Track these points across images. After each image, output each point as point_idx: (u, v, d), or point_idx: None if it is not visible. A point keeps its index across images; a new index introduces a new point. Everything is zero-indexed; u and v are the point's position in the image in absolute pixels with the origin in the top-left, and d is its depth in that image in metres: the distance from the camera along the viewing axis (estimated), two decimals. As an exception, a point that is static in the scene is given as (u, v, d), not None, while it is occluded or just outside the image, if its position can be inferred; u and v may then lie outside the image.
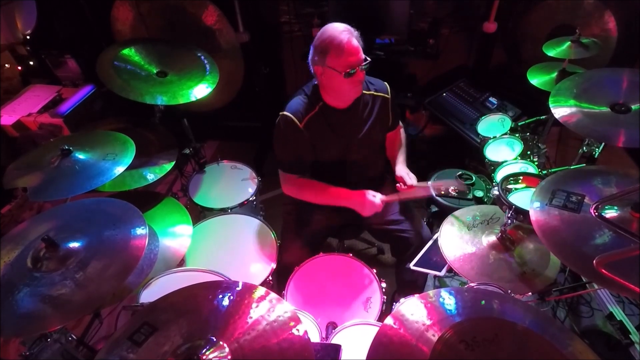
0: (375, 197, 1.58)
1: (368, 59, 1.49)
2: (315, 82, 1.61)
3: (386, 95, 1.69)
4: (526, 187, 1.58)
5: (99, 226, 1.19)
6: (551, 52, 1.99)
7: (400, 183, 1.64)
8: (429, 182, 1.73)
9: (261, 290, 1.00)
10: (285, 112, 1.59)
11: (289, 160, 1.64)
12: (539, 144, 2.09)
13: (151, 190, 1.93)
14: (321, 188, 1.64)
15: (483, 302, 0.96)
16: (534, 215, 1.16)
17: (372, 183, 1.75)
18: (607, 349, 1.93)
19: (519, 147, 2.03)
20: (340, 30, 1.44)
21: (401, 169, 1.73)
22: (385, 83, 1.72)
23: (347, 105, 1.61)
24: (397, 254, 1.87)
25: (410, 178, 1.65)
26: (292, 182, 1.67)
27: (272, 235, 1.75)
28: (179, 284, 1.06)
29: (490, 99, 2.62)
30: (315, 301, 1.49)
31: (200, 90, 1.93)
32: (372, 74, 1.70)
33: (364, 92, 1.63)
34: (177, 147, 1.95)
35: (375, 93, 1.67)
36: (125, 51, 1.98)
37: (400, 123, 1.88)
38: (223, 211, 1.89)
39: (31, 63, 2.85)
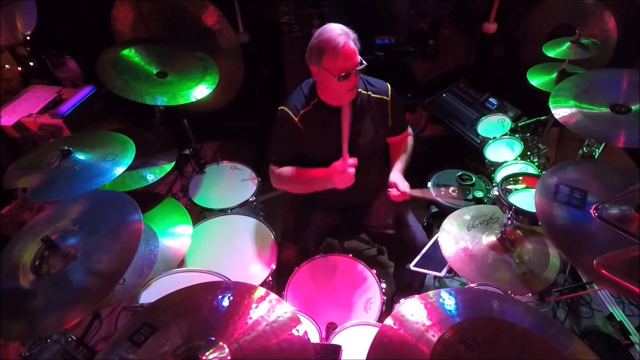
0: (346, 165, 1.47)
1: (364, 62, 1.46)
2: (312, 80, 1.61)
3: (385, 97, 1.63)
4: (526, 187, 1.57)
5: (95, 218, 1.20)
6: (551, 53, 1.99)
7: (393, 189, 1.58)
8: (430, 189, 1.74)
9: (261, 291, 1.00)
10: (282, 107, 1.60)
11: (275, 152, 1.64)
12: (539, 145, 2.09)
13: (151, 190, 1.93)
14: (299, 172, 1.61)
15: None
16: (539, 209, 1.15)
17: (368, 187, 1.74)
18: (607, 349, 1.93)
19: (519, 147, 2.03)
20: (337, 33, 1.41)
21: (395, 175, 1.65)
22: (387, 84, 1.66)
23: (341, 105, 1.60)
24: (394, 258, 1.87)
25: (405, 186, 1.59)
26: (274, 172, 1.65)
27: (272, 236, 1.75)
28: (179, 285, 1.05)
29: (490, 99, 2.62)
30: (315, 302, 1.49)
31: (200, 91, 1.93)
32: (372, 74, 1.68)
33: (362, 91, 1.61)
34: (177, 147, 1.95)
35: (372, 95, 1.63)
36: (125, 52, 1.98)
37: (410, 130, 1.82)
38: (223, 212, 1.89)
39: (31, 64, 2.85)
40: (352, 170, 1.48)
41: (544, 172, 1.82)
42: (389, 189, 1.59)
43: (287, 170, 1.64)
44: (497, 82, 2.76)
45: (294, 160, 1.64)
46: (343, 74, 1.43)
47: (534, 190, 1.21)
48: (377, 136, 1.68)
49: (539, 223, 1.15)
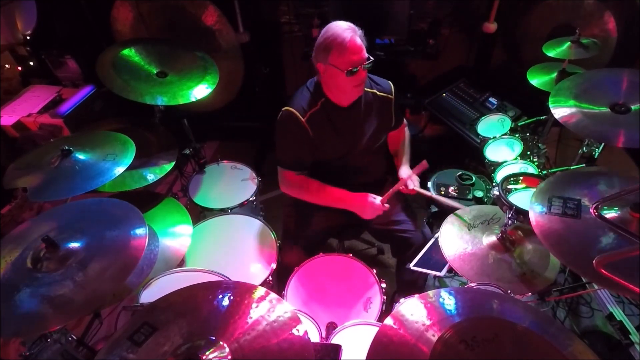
0: (376, 200, 1.59)
1: (371, 58, 1.48)
2: (318, 79, 1.60)
3: (389, 96, 1.68)
4: (526, 187, 1.58)
5: (99, 226, 1.19)
6: (551, 53, 1.99)
7: (403, 186, 1.64)
8: (433, 194, 1.75)
9: (261, 291, 1.00)
10: (288, 107, 1.58)
11: (289, 157, 1.63)
12: (539, 144, 2.09)
13: (151, 190, 1.93)
14: (321, 189, 1.63)
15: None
16: (535, 223, 1.15)
17: (372, 185, 1.74)
18: (607, 349, 1.93)
19: (518, 147, 2.03)
20: (343, 29, 1.43)
21: (405, 171, 1.73)
22: (390, 83, 1.71)
23: (349, 104, 1.61)
24: (397, 254, 1.87)
25: (413, 181, 1.64)
26: (291, 180, 1.65)
27: (272, 236, 1.74)
28: (179, 284, 1.05)
29: (490, 99, 2.62)
30: (315, 301, 1.49)
31: (200, 91, 1.93)
32: (373, 74, 1.70)
33: (367, 90, 1.62)
34: (177, 147, 1.95)
35: (378, 93, 1.66)
36: (125, 51, 1.98)
37: (405, 121, 1.87)
38: (223, 211, 1.88)
39: (31, 63, 2.85)
40: (383, 209, 1.59)
41: (544, 172, 1.84)
42: (401, 187, 1.64)
43: (309, 182, 1.64)
44: (497, 82, 2.77)
45: (303, 162, 1.64)
46: (351, 68, 1.43)
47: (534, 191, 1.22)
48: (382, 134, 1.74)
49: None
